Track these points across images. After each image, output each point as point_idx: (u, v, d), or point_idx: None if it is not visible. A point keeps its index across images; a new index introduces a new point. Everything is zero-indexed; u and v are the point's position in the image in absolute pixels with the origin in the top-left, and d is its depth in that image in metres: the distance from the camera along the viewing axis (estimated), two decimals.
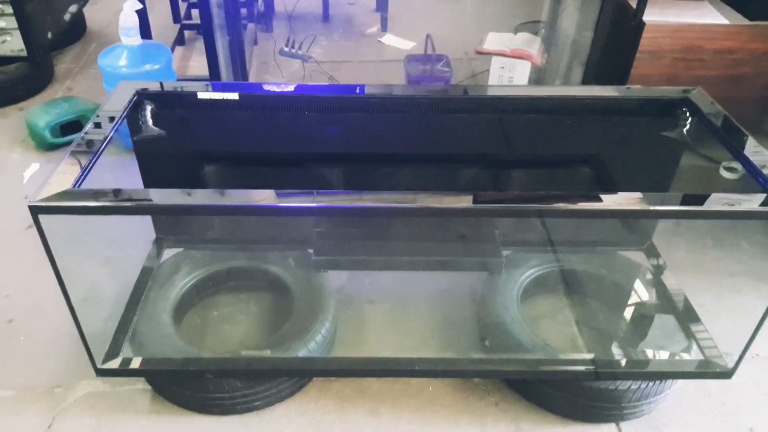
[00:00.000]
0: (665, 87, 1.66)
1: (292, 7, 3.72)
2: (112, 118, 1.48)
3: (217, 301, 1.86)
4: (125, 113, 1.53)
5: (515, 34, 2.67)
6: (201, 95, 1.63)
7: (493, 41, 2.63)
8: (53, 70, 3.19)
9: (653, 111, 1.65)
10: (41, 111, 2.62)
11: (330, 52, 3.56)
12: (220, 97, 1.64)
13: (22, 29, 2.85)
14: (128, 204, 1.23)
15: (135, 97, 1.59)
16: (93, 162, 1.32)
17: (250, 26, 3.56)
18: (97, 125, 1.47)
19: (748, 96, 2.36)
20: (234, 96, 1.65)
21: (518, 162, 1.80)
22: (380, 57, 3.44)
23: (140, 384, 1.65)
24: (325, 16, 4.00)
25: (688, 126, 1.60)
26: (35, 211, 1.20)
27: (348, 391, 1.66)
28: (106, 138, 1.40)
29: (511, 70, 2.56)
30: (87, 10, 3.66)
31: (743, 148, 1.43)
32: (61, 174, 1.28)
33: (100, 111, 1.50)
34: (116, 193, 1.24)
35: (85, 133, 1.43)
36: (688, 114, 1.60)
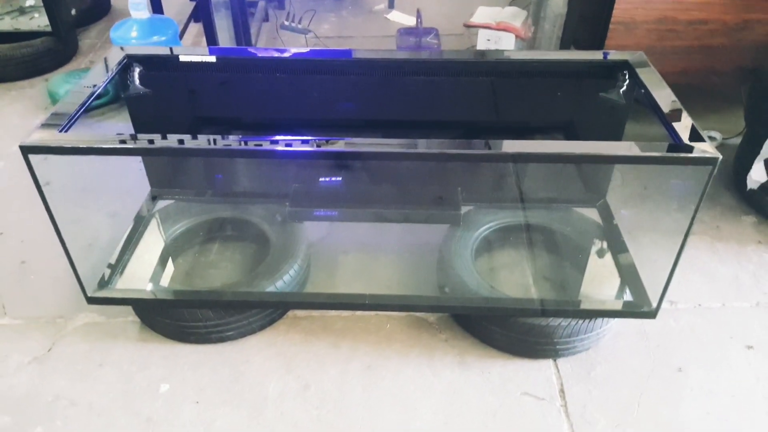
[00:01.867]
0: (611, 51, 1.75)
1: None
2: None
3: (205, 249, 2.05)
4: (115, 73, 1.72)
5: (503, 8, 2.77)
6: (183, 58, 1.81)
7: (482, 15, 2.74)
8: (77, 44, 3.44)
9: (597, 74, 1.76)
10: (62, 81, 2.87)
11: (337, 28, 3.72)
12: (201, 60, 1.82)
13: (47, 6, 3.10)
14: (107, 146, 1.41)
15: (125, 60, 1.79)
16: (80, 111, 1.51)
17: (261, 3, 3.74)
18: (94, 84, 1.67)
19: (724, 67, 2.42)
20: (213, 58, 1.82)
21: (472, 124, 1.93)
22: (384, 32, 3.58)
23: (131, 316, 1.86)
24: None
25: (626, 89, 1.70)
26: (25, 150, 1.40)
27: (314, 327, 1.83)
28: (94, 92, 1.59)
29: (496, 42, 2.67)
30: None
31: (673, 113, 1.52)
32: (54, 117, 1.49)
33: (90, 72, 1.69)
34: (97, 136, 1.43)
35: (80, 88, 1.63)
36: (628, 78, 1.70)
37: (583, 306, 1.63)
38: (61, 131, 1.45)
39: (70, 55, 3.33)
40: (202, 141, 1.44)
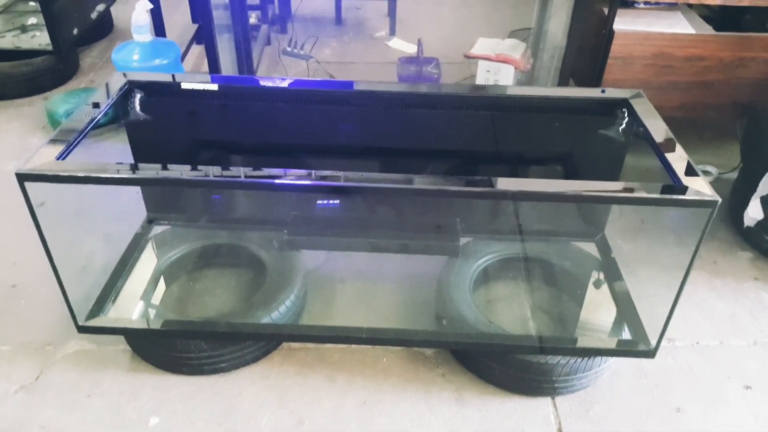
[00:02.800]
0: (612, 88, 1.76)
1: (295, 8, 3.91)
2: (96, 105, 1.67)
3: (200, 275, 2.03)
4: (115, 98, 1.72)
5: (503, 40, 2.80)
6: (184, 85, 1.81)
7: (482, 46, 2.76)
8: (78, 63, 3.44)
9: (597, 111, 1.77)
10: (61, 100, 2.86)
11: (338, 54, 3.74)
12: (201, 88, 1.81)
13: (49, 26, 3.10)
14: (105, 175, 1.40)
15: (126, 86, 1.78)
16: (79, 138, 1.50)
17: (264, 27, 3.76)
18: (96, 105, 1.66)
19: (719, 101, 2.44)
20: (215, 87, 1.82)
21: (471, 156, 1.93)
22: (384, 59, 3.60)
23: (122, 345, 1.83)
24: (338, 20, 4.19)
25: (625, 127, 1.71)
26: (21, 178, 1.38)
27: (310, 359, 1.81)
28: (94, 119, 1.59)
29: (496, 73, 2.69)
30: (115, 9, 3.93)
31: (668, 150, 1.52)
32: (52, 146, 1.47)
33: (90, 97, 1.69)
34: (95, 165, 1.42)
35: (79, 114, 1.62)
36: (627, 116, 1.71)
37: (582, 344, 1.62)
38: (59, 158, 1.44)
39: (71, 74, 3.33)
40: (201, 172, 1.43)
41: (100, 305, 1.74)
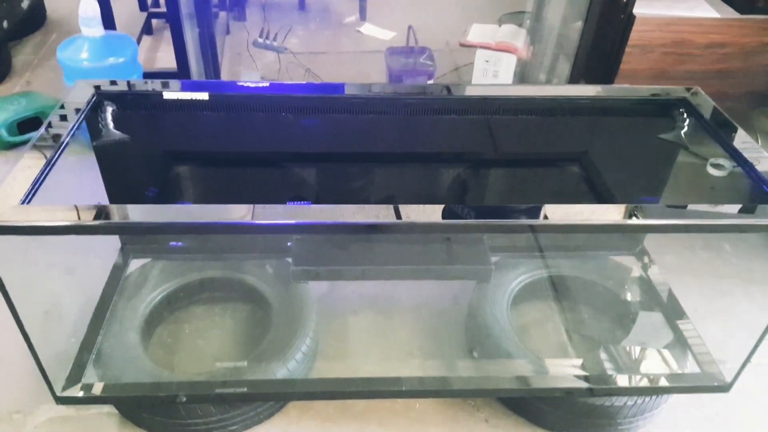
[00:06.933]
0: (665, 86, 1.57)
1: None
2: (63, 117, 1.36)
3: (190, 315, 1.74)
4: (82, 116, 1.40)
5: (500, 25, 2.57)
6: (166, 95, 1.51)
7: (477, 33, 2.53)
8: (11, 62, 3.00)
9: (648, 111, 1.58)
10: None
11: (306, 43, 3.42)
12: (185, 97, 1.52)
13: None
14: (87, 224, 1.11)
15: (94, 98, 1.46)
16: (45, 174, 1.19)
17: (222, 14, 3.41)
18: (63, 118, 1.36)
19: (737, 90, 2.31)
20: (199, 96, 1.53)
21: (508, 163, 1.71)
22: (359, 48, 3.32)
23: (107, 408, 1.54)
24: (301, 5, 3.85)
25: (685, 127, 1.52)
26: None
27: (331, 411, 1.57)
28: (60, 145, 1.27)
29: (496, 63, 2.47)
30: None
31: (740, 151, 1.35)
32: (13, 181, 1.16)
33: (54, 113, 1.37)
34: (72, 209, 1.12)
35: (44, 131, 1.31)
36: (684, 115, 1.52)
37: (648, 381, 1.44)
38: (23, 202, 1.13)
39: (3, 75, 2.90)
40: (194, 212, 1.16)
41: (79, 368, 1.44)
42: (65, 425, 1.51)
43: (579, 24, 2.32)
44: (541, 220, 1.12)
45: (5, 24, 2.88)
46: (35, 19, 3.35)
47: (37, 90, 2.75)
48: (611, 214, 1.15)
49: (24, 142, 2.42)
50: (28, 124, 2.43)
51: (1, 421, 1.51)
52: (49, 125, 1.33)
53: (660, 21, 2.10)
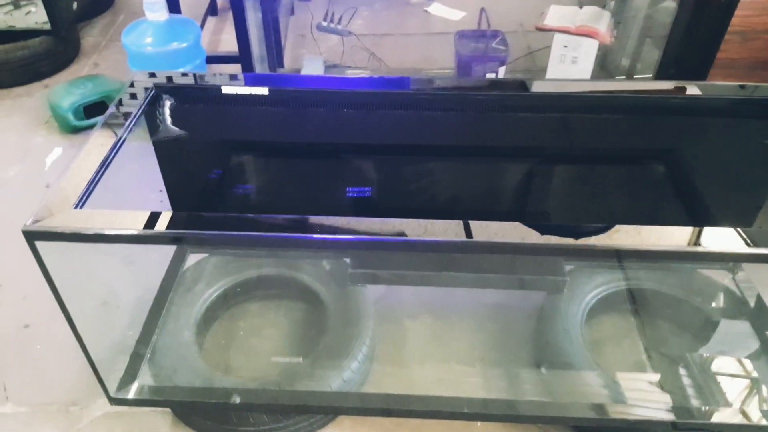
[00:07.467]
0: None
1: None
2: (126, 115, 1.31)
3: (245, 312, 1.70)
4: (141, 110, 1.35)
5: (581, 7, 2.38)
6: (225, 90, 1.44)
7: (556, 16, 2.35)
8: (80, 43, 3.03)
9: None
10: (64, 91, 2.47)
11: (371, 24, 3.30)
12: (245, 92, 1.44)
13: (45, 0, 2.69)
14: (140, 234, 1.05)
15: (152, 92, 1.41)
16: (97, 179, 1.14)
17: None
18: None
19: None
20: (259, 90, 1.45)
21: (590, 171, 1.56)
22: (426, 29, 3.18)
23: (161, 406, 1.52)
24: None
25: None
26: (30, 236, 1.04)
27: (387, 423, 1.49)
28: (116, 143, 1.23)
29: (575, 49, 2.28)
30: None
31: None
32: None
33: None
34: (127, 215, 1.07)
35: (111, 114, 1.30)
36: None
37: (742, 418, 1.28)
38: (77, 206, 1.09)
39: (72, 57, 2.93)
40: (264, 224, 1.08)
41: (134, 368, 1.42)
42: (119, 421, 1.50)
43: (671, 4, 2.11)
44: (631, 244, 0.99)
45: (75, 5, 2.90)
46: (104, 0, 3.38)
47: (105, 72, 2.76)
48: (713, 240, 1.00)
49: (90, 126, 2.44)
50: (94, 108, 2.44)
51: (58, 412, 1.51)
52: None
53: (765, 4, 1.87)
